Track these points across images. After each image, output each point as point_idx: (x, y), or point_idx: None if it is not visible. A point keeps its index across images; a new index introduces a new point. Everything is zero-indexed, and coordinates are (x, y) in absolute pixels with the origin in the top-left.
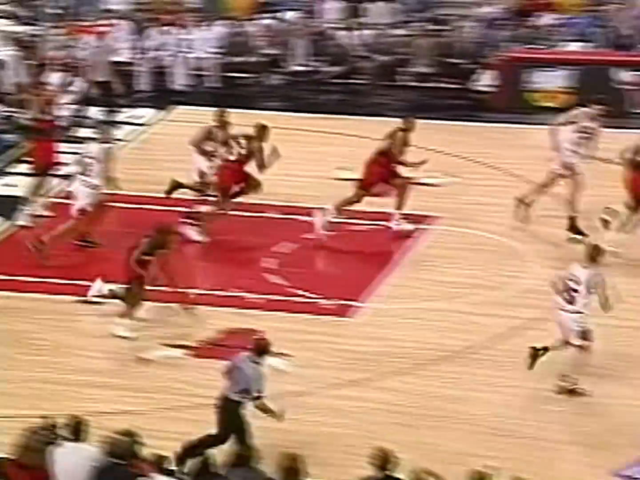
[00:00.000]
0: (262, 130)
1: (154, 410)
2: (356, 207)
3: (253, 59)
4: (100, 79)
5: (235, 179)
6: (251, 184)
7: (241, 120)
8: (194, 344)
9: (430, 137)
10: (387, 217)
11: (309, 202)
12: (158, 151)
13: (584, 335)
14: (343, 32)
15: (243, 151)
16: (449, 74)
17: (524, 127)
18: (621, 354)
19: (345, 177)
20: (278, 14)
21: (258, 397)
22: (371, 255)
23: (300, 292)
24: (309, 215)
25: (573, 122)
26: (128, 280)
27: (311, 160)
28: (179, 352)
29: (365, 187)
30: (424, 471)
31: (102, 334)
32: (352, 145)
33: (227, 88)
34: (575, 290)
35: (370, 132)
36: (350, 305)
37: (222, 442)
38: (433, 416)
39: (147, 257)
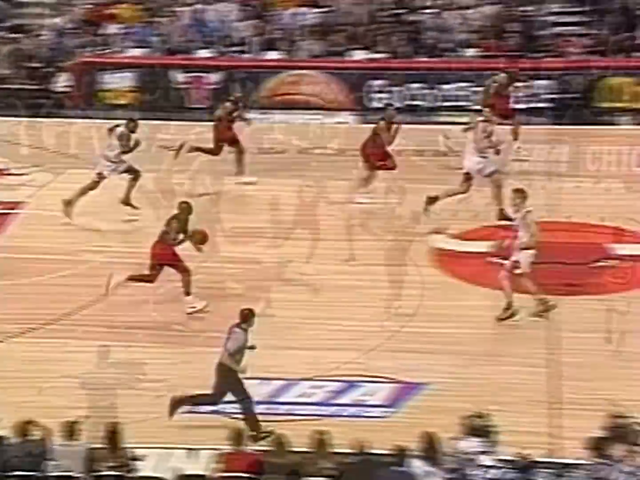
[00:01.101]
0: None
1: None
2: None
3: None
4: None
5: None
6: None
7: None
8: None
9: (17, 133)
10: None
11: None
12: None
13: None
14: None
15: None
16: (30, 76)
17: (101, 122)
18: None
19: None
20: None
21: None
22: None
23: None
24: None
25: (472, 129)
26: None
27: None
28: None
29: None
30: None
31: None
32: None
33: None
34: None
35: None
36: None
37: (215, 402)
38: (35, 378)
39: None
